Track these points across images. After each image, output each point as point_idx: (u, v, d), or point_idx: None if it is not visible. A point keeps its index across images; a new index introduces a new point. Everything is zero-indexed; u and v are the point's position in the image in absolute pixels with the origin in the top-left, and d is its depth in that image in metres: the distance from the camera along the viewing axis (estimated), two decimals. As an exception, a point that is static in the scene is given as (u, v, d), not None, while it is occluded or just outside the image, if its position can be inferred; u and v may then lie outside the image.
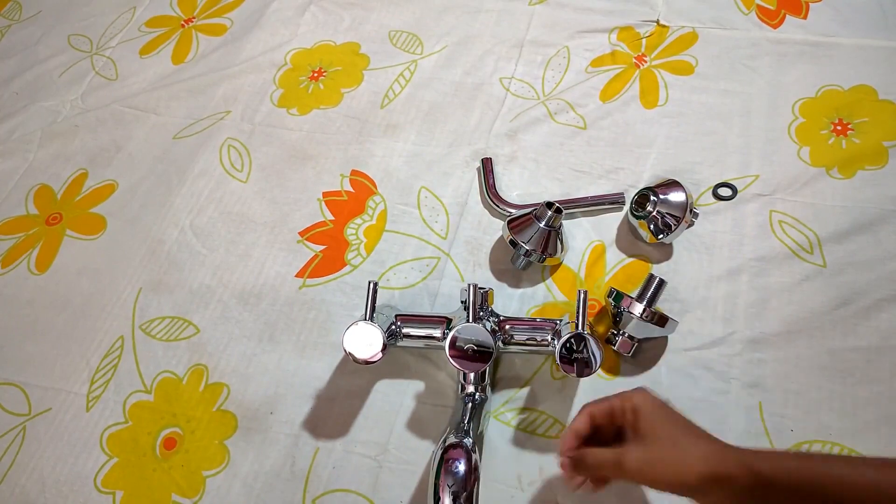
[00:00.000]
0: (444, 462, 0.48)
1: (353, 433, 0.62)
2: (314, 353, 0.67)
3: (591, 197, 0.73)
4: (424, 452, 0.60)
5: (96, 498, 0.62)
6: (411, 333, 0.62)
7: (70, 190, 0.85)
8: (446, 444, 0.50)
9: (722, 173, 0.73)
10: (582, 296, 0.57)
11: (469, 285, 0.58)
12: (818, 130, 0.74)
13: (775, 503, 0.39)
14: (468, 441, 0.50)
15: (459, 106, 0.84)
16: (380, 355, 0.57)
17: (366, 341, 0.58)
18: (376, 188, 0.79)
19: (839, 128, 0.74)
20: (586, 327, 0.56)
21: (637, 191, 0.69)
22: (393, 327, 0.61)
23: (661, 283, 0.61)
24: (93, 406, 0.67)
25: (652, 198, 0.66)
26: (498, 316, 0.63)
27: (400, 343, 0.62)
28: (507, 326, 0.61)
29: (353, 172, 0.80)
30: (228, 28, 1.00)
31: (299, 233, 0.76)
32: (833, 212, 0.68)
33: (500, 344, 0.60)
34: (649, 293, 0.60)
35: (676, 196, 0.66)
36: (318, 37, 0.95)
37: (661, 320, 0.59)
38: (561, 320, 0.61)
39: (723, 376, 0.61)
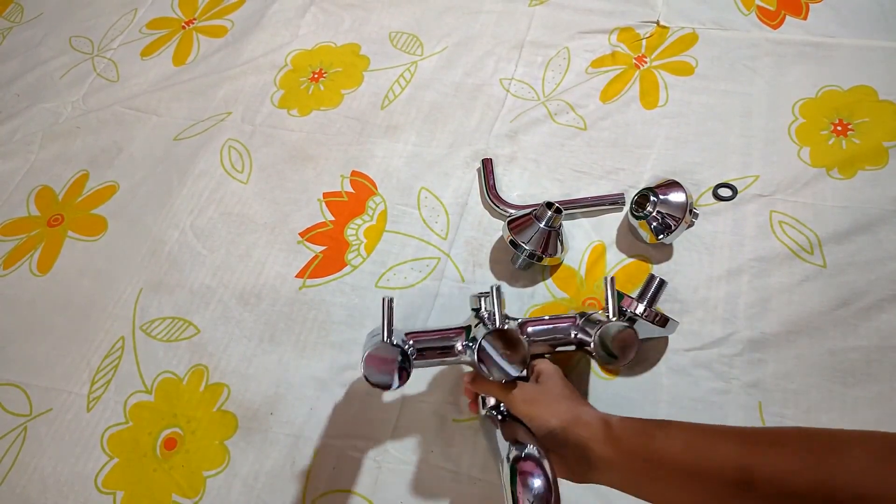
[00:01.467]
0: (519, 475, 0.44)
1: (353, 434, 0.63)
2: (314, 354, 0.68)
3: (592, 197, 0.73)
4: (424, 453, 0.61)
5: (97, 498, 0.62)
6: (428, 351, 0.56)
7: (71, 191, 0.85)
8: (511, 457, 0.45)
9: (722, 174, 0.73)
10: (609, 282, 0.55)
11: (492, 288, 0.54)
12: (818, 131, 0.74)
13: (625, 454, 0.45)
14: (534, 450, 0.46)
15: (460, 107, 0.84)
16: (401, 383, 0.53)
17: (384, 366, 0.53)
18: (376, 189, 0.79)
19: (839, 128, 0.74)
20: (617, 314, 0.54)
21: (637, 191, 0.70)
22: (407, 348, 0.55)
23: (662, 283, 0.61)
24: (93, 406, 0.67)
25: (652, 198, 0.66)
26: (514, 319, 0.60)
27: (415, 363, 0.56)
28: (530, 329, 0.59)
29: (354, 173, 0.80)
30: (229, 30, 1.01)
31: (299, 233, 0.76)
32: (833, 212, 0.68)
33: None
34: (650, 293, 0.60)
35: (677, 196, 0.66)
36: (319, 38, 0.96)
37: (662, 320, 0.59)
38: (581, 314, 0.59)
39: (723, 376, 0.61)
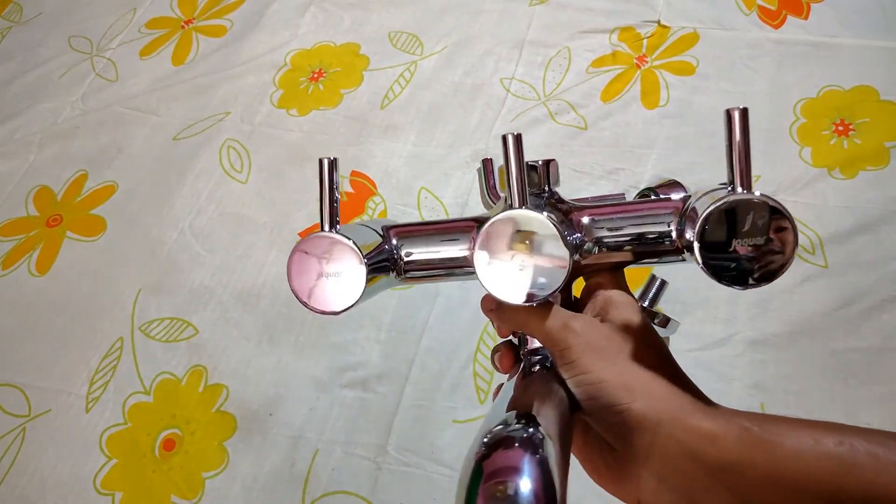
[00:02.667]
0: (485, 478, 0.24)
1: (352, 435, 0.62)
2: (313, 354, 0.67)
3: (592, 198, 0.73)
4: (424, 454, 0.60)
5: (96, 499, 0.62)
6: (419, 257, 0.35)
7: (70, 191, 0.85)
8: (487, 439, 0.27)
9: (723, 174, 0.72)
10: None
11: (504, 137, 0.32)
12: (819, 131, 0.74)
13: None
14: (536, 432, 0.26)
15: (459, 107, 0.84)
16: (353, 300, 0.32)
17: (331, 269, 0.32)
18: (376, 189, 0.78)
19: (840, 128, 0.74)
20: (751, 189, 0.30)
21: (638, 191, 0.69)
22: (385, 248, 0.34)
23: (663, 283, 0.60)
24: (92, 407, 0.67)
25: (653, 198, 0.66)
26: (564, 203, 0.39)
27: (403, 277, 0.35)
28: (586, 219, 0.36)
29: (353, 173, 0.80)
30: (228, 29, 1.00)
31: (299, 233, 0.76)
32: (835, 212, 0.68)
33: (576, 253, 0.35)
34: (651, 294, 0.60)
35: (677, 196, 0.66)
36: (318, 38, 0.95)
37: (663, 321, 0.58)
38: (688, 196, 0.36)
39: (724, 377, 0.61)
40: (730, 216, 0.30)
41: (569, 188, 0.75)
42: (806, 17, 0.84)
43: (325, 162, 0.32)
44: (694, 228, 0.31)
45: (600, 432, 0.30)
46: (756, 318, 0.63)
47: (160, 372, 0.68)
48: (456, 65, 0.88)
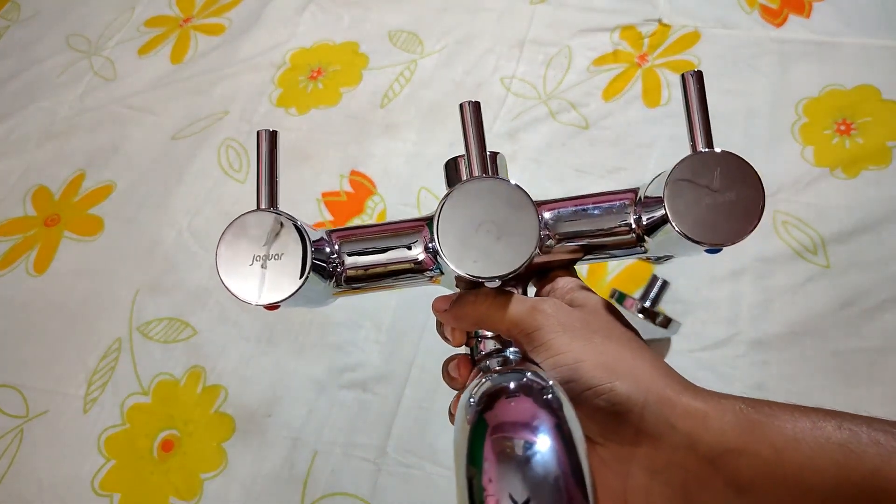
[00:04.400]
0: (492, 432, 0.20)
1: (351, 436, 0.62)
2: (312, 355, 0.67)
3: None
4: (424, 455, 0.60)
5: (94, 500, 0.61)
6: (364, 260, 0.32)
7: (68, 191, 0.85)
8: (480, 392, 0.23)
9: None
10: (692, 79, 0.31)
11: (462, 105, 0.30)
12: (822, 130, 0.74)
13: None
14: (538, 378, 0.23)
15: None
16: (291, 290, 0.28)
17: (271, 251, 0.29)
18: (376, 188, 0.78)
19: (843, 128, 0.74)
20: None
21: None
22: (326, 250, 0.32)
23: (665, 284, 0.60)
24: (90, 408, 0.66)
25: (654, 198, 0.66)
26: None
27: (343, 285, 0.33)
28: (547, 214, 0.34)
29: (353, 172, 0.80)
30: (227, 27, 1.00)
31: (298, 233, 0.75)
32: (837, 212, 0.68)
33: (543, 234, 0.33)
34: (652, 294, 0.60)
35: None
36: (317, 36, 0.95)
37: (664, 322, 0.58)
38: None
39: (726, 377, 0.60)
40: (696, 172, 0.29)
41: (570, 188, 0.74)
42: (808, 16, 0.84)
43: (264, 134, 0.30)
44: (660, 202, 0.29)
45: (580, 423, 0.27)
46: (757, 318, 0.63)
47: (158, 373, 0.67)
48: (456, 63, 0.88)
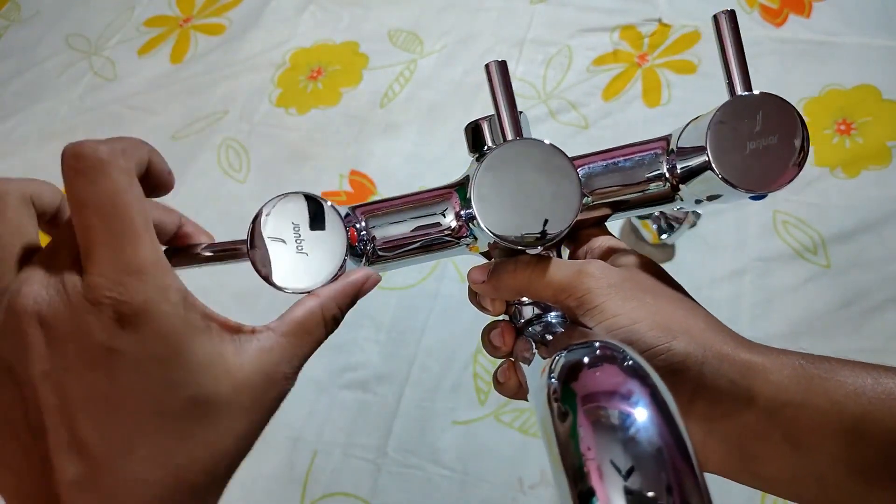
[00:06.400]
0: (583, 401, 0.19)
1: (351, 436, 0.62)
2: (312, 355, 0.67)
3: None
4: (424, 455, 0.60)
5: (93, 501, 0.61)
6: (395, 233, 0.32)
7: (68, 190, 0.85)
8: (562, 363, 0.21)
9: (724, 173, 0.72)
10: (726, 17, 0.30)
11: (487, 65, 0.29)
12: (822, 130, 0.74)
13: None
14: (622, 350, 0.21)
15: (460, 105, 0.84)
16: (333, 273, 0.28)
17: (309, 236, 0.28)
18: (376, 188, 0.78)
19: (843, 127, 0.74)
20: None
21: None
22: (357, 227, 0.32)
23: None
24: (90, 408, 0.66)
25: (654, 198, 0.66)
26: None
27: (376, 262, 0.32)
28: (583, 170, 0.34)
29: (353, 172, 0.80)
30: (227, 27, 1.00)
31: (298, 233, 0.75)
32: (837, 212, 0.68)
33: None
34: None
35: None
36: (317, 36, 0.95)
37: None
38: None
39: (726, 378, 0.60)
40: (737, 116, 0.28)
41: (569, 187, 0.74)
42: (808, 16, 0.84)
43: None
44: (699, 149, 0.28)
45: None
46: (758, 318, 0.63)
47: (158, 372, 0.67)
48: (456, 63, 0.88)
